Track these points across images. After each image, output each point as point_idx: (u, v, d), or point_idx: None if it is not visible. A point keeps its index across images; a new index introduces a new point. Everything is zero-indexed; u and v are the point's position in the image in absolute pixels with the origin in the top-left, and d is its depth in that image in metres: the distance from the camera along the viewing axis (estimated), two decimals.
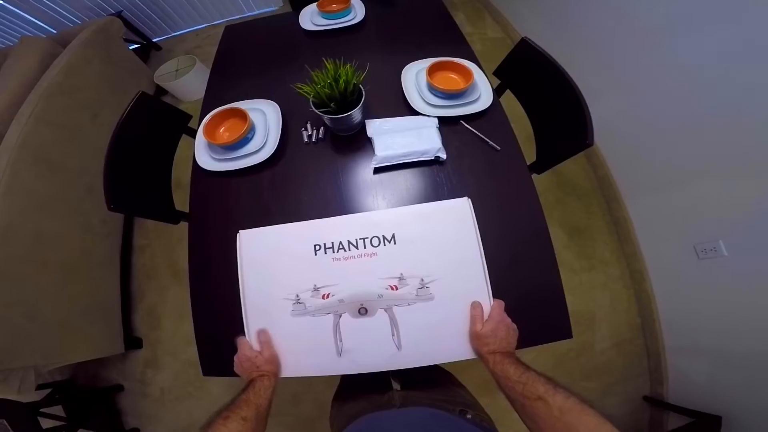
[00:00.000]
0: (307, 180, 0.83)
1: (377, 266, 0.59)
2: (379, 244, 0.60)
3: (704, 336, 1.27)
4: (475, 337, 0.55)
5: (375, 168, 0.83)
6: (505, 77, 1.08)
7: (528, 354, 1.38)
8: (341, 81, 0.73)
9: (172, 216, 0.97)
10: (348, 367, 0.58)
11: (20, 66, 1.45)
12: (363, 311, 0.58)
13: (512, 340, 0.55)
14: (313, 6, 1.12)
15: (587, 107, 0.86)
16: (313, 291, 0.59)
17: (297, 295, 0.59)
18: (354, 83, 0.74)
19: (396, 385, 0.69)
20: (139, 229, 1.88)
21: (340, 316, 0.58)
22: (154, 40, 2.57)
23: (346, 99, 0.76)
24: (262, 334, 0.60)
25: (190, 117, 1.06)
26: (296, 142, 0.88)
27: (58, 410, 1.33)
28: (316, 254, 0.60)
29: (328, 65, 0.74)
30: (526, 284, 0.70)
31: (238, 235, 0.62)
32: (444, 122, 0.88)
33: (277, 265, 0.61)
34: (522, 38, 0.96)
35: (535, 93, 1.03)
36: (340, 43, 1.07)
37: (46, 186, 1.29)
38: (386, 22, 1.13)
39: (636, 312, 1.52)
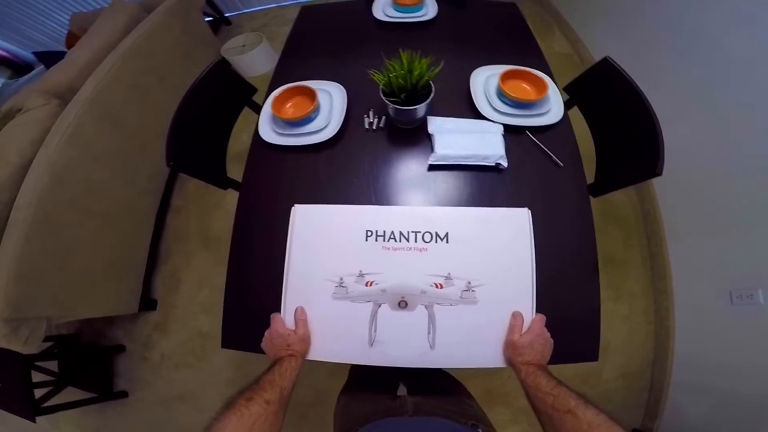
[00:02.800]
0: (362, 166, 0.83)
1: (426, 262, 0.58)
2: (431, 240, 0.59)
3: (714, 376, 1.25)
4: (511, 346, 0.54)
5: (431, 165, 0.81)
6: (575, 93, 1.03)
7: None
8: (415, 74, 0.71)
9: (223, 181, 1.02)
10: (377, 358, 0.57)
11: (107, 27, 1.56)
12: (403, 304, 0.56)
13: (547, 354, 0.55)
14: None
15: (662, 135, 0.80)
16: (357, 276, 0.58)
17: (341, 278, 0.58)
18: (426, 78, 0.72)
19: (402, 390, 0.69)
20: (179, 190, 1.93)
21: (380, 306, 0.57)
22: (226, 15, 2.71)
23: (416, 92, 0.75)
24: (300, 312, 0.60)
25: (255, 90, 1.09)
26: (356, 127, 0.89)
27: (53, 365, 1.33)
28: (366, 240, 0.59)
29: (402, 56, 0.73)
30: (565, 304, 0.68)
31: (292, 208, 0.61)
32: (508, 130, 0.86)
33: (326, 244, 0.60)
34: (604, 58, 0.92)
35: (605, 114, 0.99)
36: (410, 38, 1.07)
37: (106, 139, 1.37)
38: (458, 23, 1.12)
39: (651, 346, 1.48)
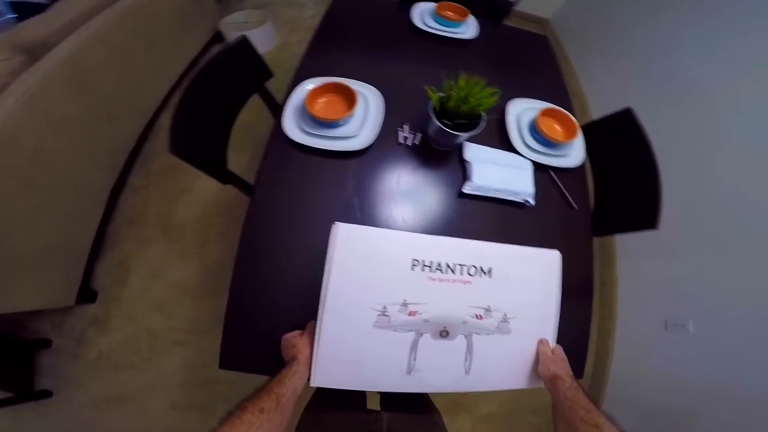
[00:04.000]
0: (393, 182, 0.80)
1: (469, 294, 0.60)
2: (475, 274, 0.60)
3: (645, 392, 1.39)
4: (551, 362, 0.59)
5: (461, 192, 0.79)
6: (587, 137, 1.06)
7: None
8: (472, 102, 0.68)
9: (224, 174, 0.90)
10: (414, 385, 0.57)
11: None
12: (444, 334, 0.58)
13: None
14: (428, 5, 1.07)
15: (662, 193, 0.86)
16: (401, 306, 0.56)
17: (384, 307, 0.56)
18: (483, 107, 0.69)
19: (373, 404, 0.69)
20: (140, 168, 1.67)
21: (421, 335, 0.57)
22: None
23: (467, 118, 0.72)
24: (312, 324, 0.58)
25: (272, 75, 0.97)
26: (388, 139, 0.84)
27: None
28: (412, 269, 0.58)
29: (461, 81, 0.69)
30: (563, 328, 0.70)
31: (334, 226, 0.56)
32: (534, 167, 0.87)
33: (370, 270, 0.57)
34: (627, 108, 0.96)
35: (612, 162, 1.04)
36: (447, 53, 1.04)
37: (69, 105, 1.14)
38: (494, 49, 1.12)
39: (591, 363, 1.61)
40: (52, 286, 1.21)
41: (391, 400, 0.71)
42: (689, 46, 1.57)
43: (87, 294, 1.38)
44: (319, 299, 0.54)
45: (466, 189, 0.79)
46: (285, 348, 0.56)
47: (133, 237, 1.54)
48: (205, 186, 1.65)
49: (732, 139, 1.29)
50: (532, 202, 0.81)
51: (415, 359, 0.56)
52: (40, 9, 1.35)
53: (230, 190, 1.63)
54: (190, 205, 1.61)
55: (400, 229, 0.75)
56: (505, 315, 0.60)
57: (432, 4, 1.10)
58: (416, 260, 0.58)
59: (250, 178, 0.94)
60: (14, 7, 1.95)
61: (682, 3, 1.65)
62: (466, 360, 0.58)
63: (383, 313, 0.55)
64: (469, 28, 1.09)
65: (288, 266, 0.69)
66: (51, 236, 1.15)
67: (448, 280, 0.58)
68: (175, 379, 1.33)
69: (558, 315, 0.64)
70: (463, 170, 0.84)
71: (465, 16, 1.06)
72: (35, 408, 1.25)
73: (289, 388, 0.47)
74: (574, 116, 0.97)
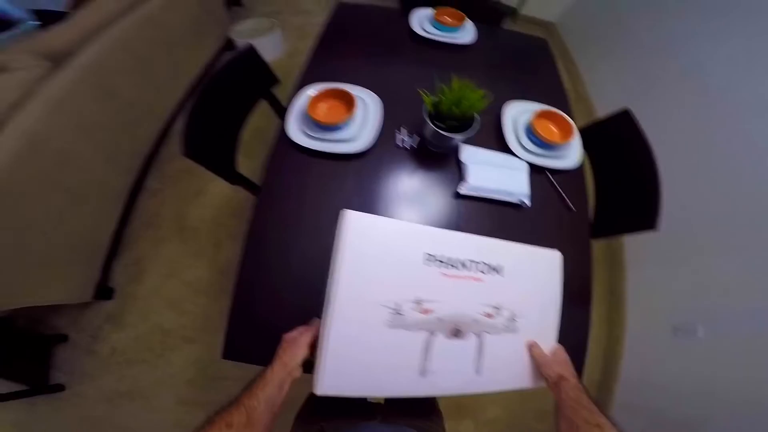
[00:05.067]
0: (391, 183, 0.83)
1: (480, 292, 0.57)
2: (486, 271, 0.58)
3: (653, 398, 1.37)
4: (554, 362, 0.58)
5: (457, 193, 0.81)
6: (585, 138, 1.07)
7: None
8: (464, 104, 0.70)
9: (233, 176, 0.95)
10: (426, 389, 0.53)
11: None
12: (457, 333, 0.55)
13: None
14: (427, 11, 1.10)
15: (661, 194, 0.86)
16: (414, 303, 0.52)
17: (397, 304, 0.52)
18: (475, 109, 0.71)
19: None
20: (156, 171, 1.77)
21: (434, 335, 0.54)
22: None
23: (460, 121, 0.74)
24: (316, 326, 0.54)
25: (278, 81, 1.01)
26: (387, 142, 0.88)
27: None
28: (425, 263, 0.54)
29: (454, 83, 0.71)
30: (563, 330, 0.70)
31: (342, 213, 0.51)
32: (530, 169, 0.89)
33: (383, 263, 0.52)
34: (625, 109, 0.96)
35: (611, 163, 1.04)
36: (445, 58, 1.07)
37: (95, 111, 1.22)
38: (492, 52, 1.14)
39: (600, 370, 1.60)
40: (72, 282, 1.27)
41: (396, 406, 0.69)
42: (696, 49, 1.56)
43: (104, 291, 1.44)
44: (324, 295, 0.51)
45: (462, 189, 0.81)
46: (288, 346, 0.52)
47: (149, 237, 1.60)
48: (218, 189, 1.72)
49: (745, 141, 1.27)
50: (527, 202, 0.83)
51: (428, 360, 0.53)
52: (60, 16, 1.43)
53: (242, 193, 1.70)
54: (204, 208, 1.68)
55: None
56: (513, 314, 0.59)
57: (430, 10, 1.12)
58: (430, 254, 0.54)
59: (259, 181, 0.98)
60: (37, 14, 2.08)
61: (688, 5, 1.64)
62: (476, 360, 0.56)
63: (397, 311, 0.51)
64: (467, 33, 1.11)
65: (291, 262, 0.72)
66: (73, 235, 1.22)
67: (460, 277, 0.56)
68: (184, 376, 1.37)
69: (559, 316, 0.64)
70: (459, 172, 0.86)
71: (462, 20, 1.09)
72: (48, 401, 1.30)
73: (261, 399, 0.43)
74: (573, 118, 0.98)
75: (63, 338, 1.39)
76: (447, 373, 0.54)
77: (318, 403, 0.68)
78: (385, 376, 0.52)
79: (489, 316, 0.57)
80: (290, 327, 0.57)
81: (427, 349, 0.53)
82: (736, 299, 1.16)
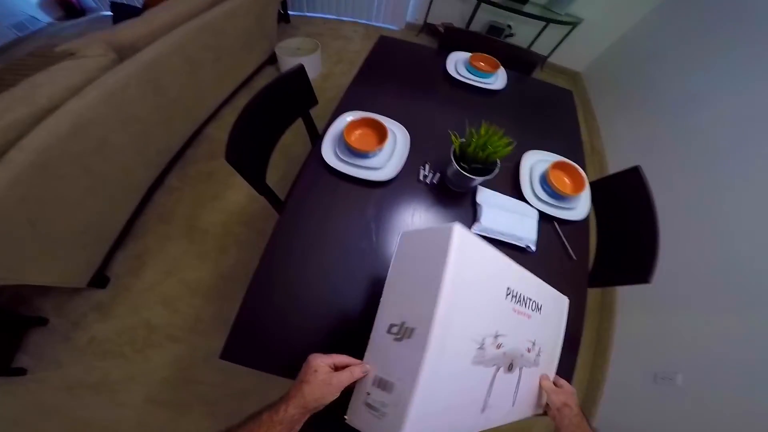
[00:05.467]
0: (408, 214, 0.88)
1: (528, 328, 0.59)
2: (534, 309, 0.61)
3: None
4: (560, 392, 0.61)
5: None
6: (595, 190, 1.11)
7: None
8: (489, 149, 0.76)
9: (262, 187, 1.00)
10: (481, 424, 0.50)
11: None
12: (510, 367, 0.55)
13: None
14: (463, 54, 1.17)
15: (658, 250, 0.90)
16: (494, 338, 0.50)
17: (484, 339, 0.48)
18: (498, 155, 0.77)
19: None
20: (179, 171, 1.83)
21: (499, 370, 0.53)
22: (289, 12, 2.75)
23: (483, 164, 0.79)
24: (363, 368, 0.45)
25: (316, 103, 1.08)
26: (410, 175, 0.93)
27: None
28: (505, 297, 0.53)
29: (482, 129, 0.77)
30: None
31: (452, 226, 0.45)
32: (540, 216, 0.94)
33: (476, 292, 0.48)
34: (636, 166, 1.02)
35: (616, 217, 1.08)
36: (474, 102, 1.14)
37: (141, 105, 1.30)
38: (519, 100, 1.20)
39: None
40: (74, 266, 1.27)
41: None
42: (712, 110, 1.63)
43: (99, 279, 1.43)
44: (375, 325, 0.47)
45: (474, 229, 0.86)
46: (317, 384, 0.42)
47: (158, 232, 1.63)
48: (234, 197, 1.77)
49: (738, 204, 1.33)
50: (533, 248, 0.87)
51: (490, 395, 0.50)
52: (134, 11, 1.54)
53: (256, 204, 1.75)
54: (217, 212, 1.72)
55: None
56: (540, 349, 0.62)
57: (467, 54, 1.20)
58: (510, 289, 0.54)
59: (279, 193, 1.04)
60: (112, 6, 2.24)
61: (711, 65, 1.73)
62: (515, 392, 0.56)
63: (482, 345, 0.48)
64: (498, 79, 1.19)
65: (308, 275, 0.74)
66: (88, 219, 1.25)
67: (522, 313, 0.56)
68: (159, 375, 1.34)
69: (560, 352, 0.68)
70: (473, 212, 0.91)
71: (496, 68, 1.16)
72: (3, 384, 1.25)
73: None
74: (585, 171, 1.04)
75: (42, 321, 1.35)
76: (497, 407, 0.53)
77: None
78: (457, 416, 0.47)
79: (529, 351, 0.60)
80: (296, 342, 0.53)
81: (491, 384, 0.51)
82: (715, 351, 1.20)
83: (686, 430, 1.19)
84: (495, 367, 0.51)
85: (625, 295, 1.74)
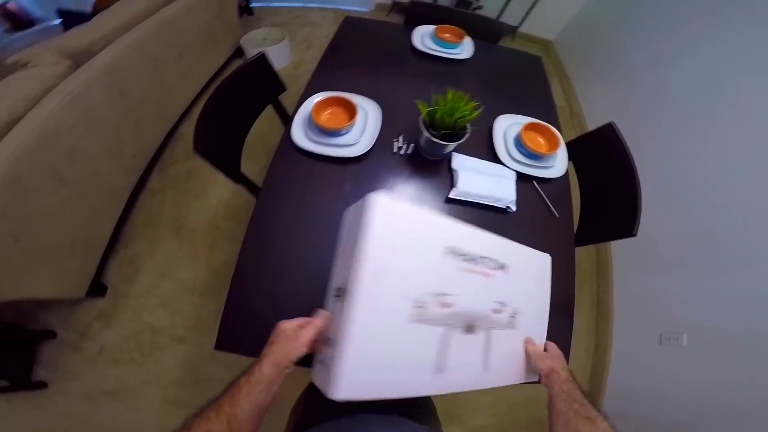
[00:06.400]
0: (386, 187, 0.89)
1: (489, 288, 0.58)
2: (495, 268, 0.59)
3: (640, 406, 1.40)
4: (547, 357, 0.60)
5: (448, 198, 0.85)
6: (574, 149, 1.12)
7: (486, 397, 1.45)
8: (456, 114, 0.75)
9: (238, 176, 1.00)
10: (441, 386, 0.52)
11: None
12: (470, 328, 0.55)
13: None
14: (429, 28, 1.16)
15: (641, 203, 0.91)
16: (436, 296, 0.50)
17: (421, 297, 0.49)
18: (467, 120, 0.76)
19: None
20: (158, 173, 1.82)
21: (452, 330, 0.53)
22: (251, 5, 2.68)
23: (453, 130, 0.79)
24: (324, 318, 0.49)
25: (285, 89, 1.07)
26: (384, 148, 0.93)
27: None
28: (445, 256, 0.53)
29: (449, 95, 0.77)
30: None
31: (370, 197, 0.47)
32: (517, 177, 0.95)
33: (407, 254, 0.49)
34: (609, 123, 1.02)
35: (595, 173, 1.10)
36: (443, 72, 1.13)
37: (107, 109, 1.28)
38: (488, 68, 1.20)
39: (588, 378, 1.63)
40: (68, 277, 1.27)
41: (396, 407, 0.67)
42: (681, 66, 1.65)
43: (97, 288, 1.44)
44: (329, 287, 0.50)
45: (453, 194, 0.86)
46: (284, 340, 0.46)
47: (147, 236, 1.63)
48: (217, 193, 1.77)
49: (729, 154, 1.33)
50: (513, 208, 0.88)
51: (445, 357, 0.51)
52: (84, 17, 1.50)
53: (240, 198, 1.75)
54: (203, 210, 1.72)
55: None
56: (514, 310, 0.61)
57: (432, 27, 1.19)
58: (450, 247, 0.53)
59: (259, 183, 1.02)
60: (62, 14, 2.17)
61: (675, 27, 1.74)
62: (484, 356, 0.56)
63: (420, 304, 0.49)
64: (464, 49, 1.18)
65: (288, 256, 0.76)
66: (74, 230, 1.24)
67: (475, 272, 0.56)
68: (171, 376, 1.37)
69: (548, 316, 0.67)
70: (451, 178, 0.91)
71: (462, 38, 1.15)
72: (29, 398, 1.27)
73: (246, 406, 0.39)
74: (562, 131, 1.04)
75: (51, 335, 1.37)
76: (460, 370, 0.53)
77: (315, 397, 0.63)
78: (403, 375, 0.49)
79: (496, 312, 0.58)
80: (286, 317, 0.54)
81: (444, 344, 0.51)
82: (719, 308, 1.21)
83: (694, 390, 1.21)
84: (445, 327, 0.51)
85: (620, 253, 1.76)
